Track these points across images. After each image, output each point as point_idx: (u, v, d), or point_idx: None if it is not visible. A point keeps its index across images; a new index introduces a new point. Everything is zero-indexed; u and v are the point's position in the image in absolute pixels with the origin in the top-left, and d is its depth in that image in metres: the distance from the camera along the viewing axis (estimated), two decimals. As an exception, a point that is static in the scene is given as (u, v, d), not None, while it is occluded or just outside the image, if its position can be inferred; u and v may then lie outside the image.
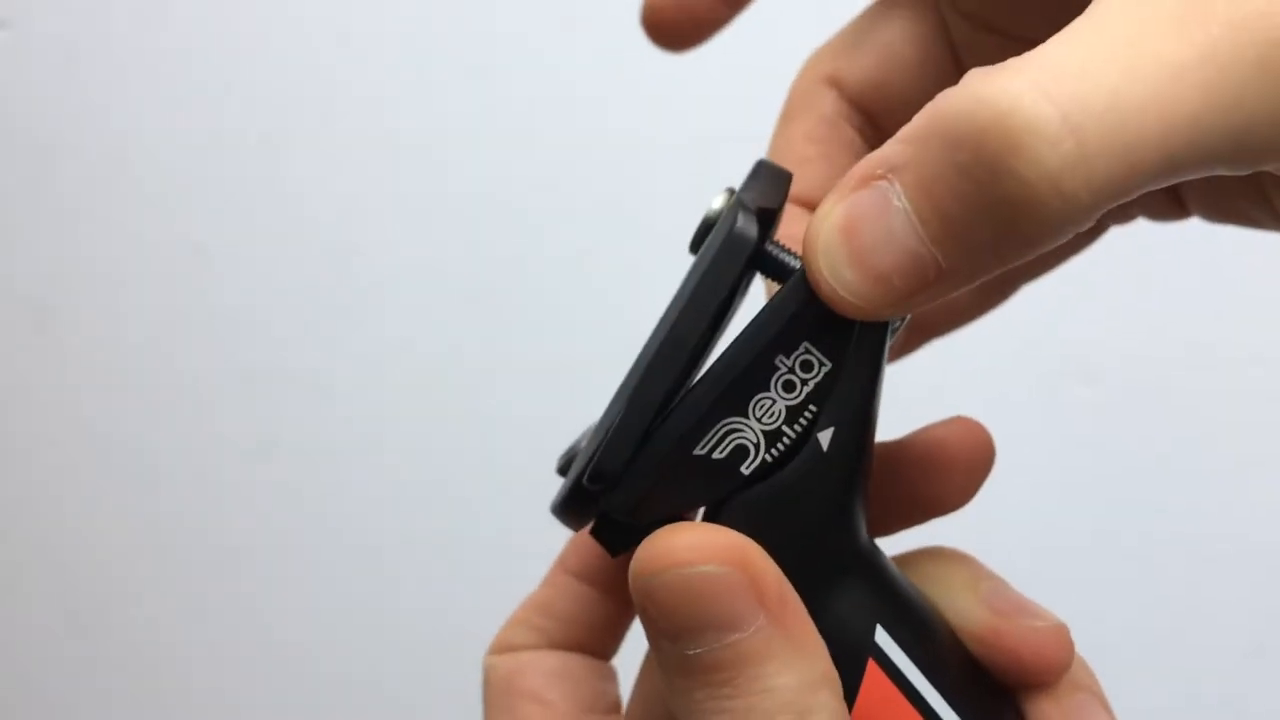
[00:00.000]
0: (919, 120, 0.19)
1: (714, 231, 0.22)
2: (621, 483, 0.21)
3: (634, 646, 0.27)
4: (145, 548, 0.76)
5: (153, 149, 0.73)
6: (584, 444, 0.23)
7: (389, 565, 0.74)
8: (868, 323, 0.21)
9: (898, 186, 0.19)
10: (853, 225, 0.19)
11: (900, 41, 0.27)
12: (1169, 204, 0.28)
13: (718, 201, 0.23)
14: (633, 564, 0.21)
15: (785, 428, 0.21)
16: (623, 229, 0.69)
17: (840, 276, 0.19)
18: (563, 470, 0.24)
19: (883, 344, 0.22)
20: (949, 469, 0.26)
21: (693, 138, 0.68)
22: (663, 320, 0.22)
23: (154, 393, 0.75)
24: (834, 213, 0.20)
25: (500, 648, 0.27)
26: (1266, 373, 0.68)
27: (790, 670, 0.20)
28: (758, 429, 0.21)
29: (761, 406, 0.21)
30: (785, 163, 0.28)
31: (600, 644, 0.27)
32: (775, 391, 0.21)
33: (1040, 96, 0.17)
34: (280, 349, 0.73)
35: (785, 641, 0.20)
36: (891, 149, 0.19)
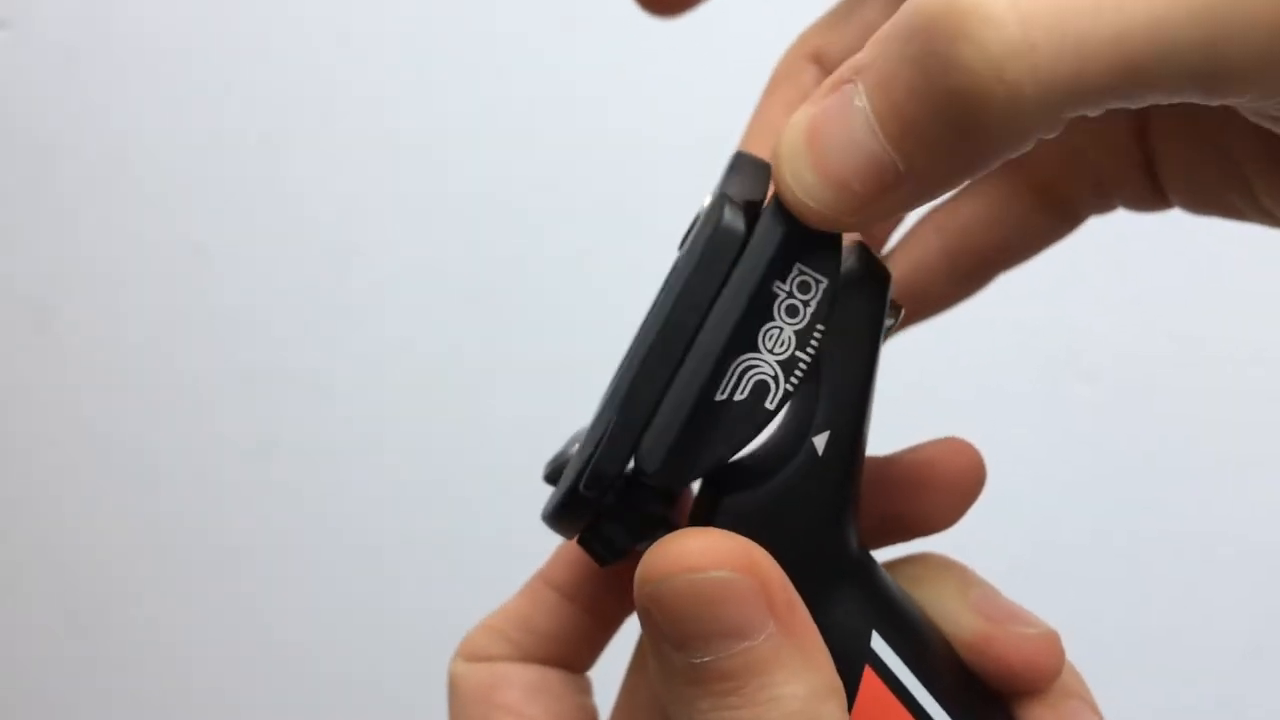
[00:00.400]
0: (886, 24, 0.19)
1: (700, 226, 0.22)
2: (646, 446, 0.21)
3: (609, 657, 0.27)
4: (145, 547, 0.76)
5: (153, 149, 0.73)
6: (574, 450, 0.23)
7: (389, 565, 0.74)
8: (860, 314, 0.21)
9: (860, 87, 0.19)
10: (816, 129, 0.19)
11: (885, 18, 0.27)
12: (1149, 192, 0.27)
13: (709, 201, 0.23)
14: (640, 569, 0.20)
15: (799, 353, 0.21)
16: (623, 229, 0.69)
17: (802, 181, 0.19)
18: (551, 478, 0.24)
19: (876, 343, 0.22)
20: (938, 490, 0.25)
21: (693, 138, 0.68)
22: (650, 321, 0.21)
23: (154, 393, 0.75)
24: (801, 118, 0.19)
25: (473, 655, 0.26)
26: (1265, 372, 0.68)
27: (798, 680, 0.20)
28: (772, 360, 0.21)
29: (771, 337, 0.21)
30: (763, 135, 0.27)
31: (578, 659, 0.27)
32: (780, 319, 0.21)
33: None
34: (280, 349, 0.74)
35: (794, 650, 0.20)
36: (860, 53, 0.19)
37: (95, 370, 0.75)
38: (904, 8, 0.18)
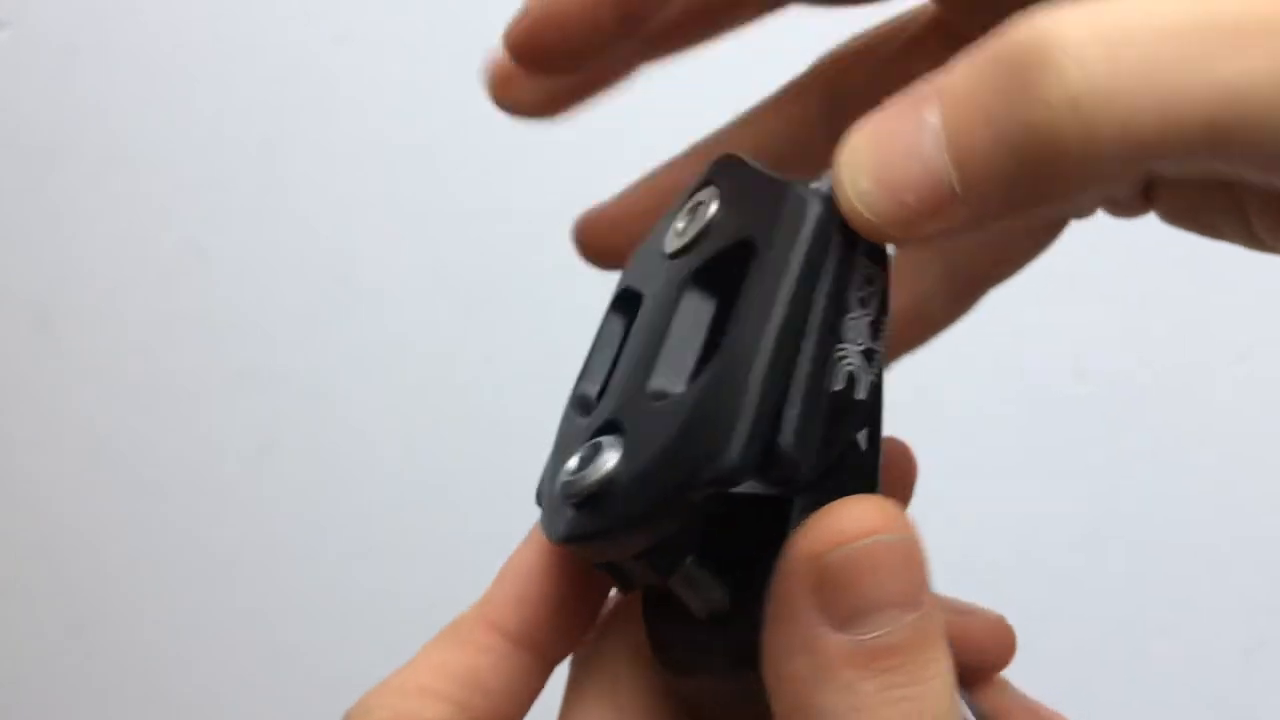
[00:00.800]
0: (972, 47, 0.18)
1: (786, 220, 0.21)
2: (788, 439, 0.20)
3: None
4: (143, 548, 0.76)
5: (152, 150, 0.73)
6: (610, 464, 0.21)
7: (390, 569, 0.74)
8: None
9: (935, 103, 0.18)
10: (881, 137, 0.19)
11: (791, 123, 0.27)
12: (1134, 200, 0.26)
13: (714, 204, 0.23)
14: (811, 539, 0.19)
15: (873, 344, 0.21)
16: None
17: (858, 186, 0.19)
18: (585, 499, 0.22)
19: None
20: (885, 489, 0.25)
21: (694, 140, 0.68)
22: (742, 314, 0.21)
23: (152, 394, 0.75)
24: (868, 124, 0.19)
25: None
26: (1258, 368, 0.68)
27: (947, 654, 0.19)
28: (855, 351, 0.21)
29: (850, 328, 0.21)
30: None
31: (520, 715, 0.24)
32: (856, 309, 0.21)
33: (1086, 18, 0.17)
34: (279, 351, 0.74)
35: (940, 624, 0.19)
36: (941, 72, 0.19)
37: (94, 371, 0.75)
38: (995, 33, 0.18)
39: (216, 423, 0.75)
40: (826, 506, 0.19)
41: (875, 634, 0.18)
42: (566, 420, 0.25)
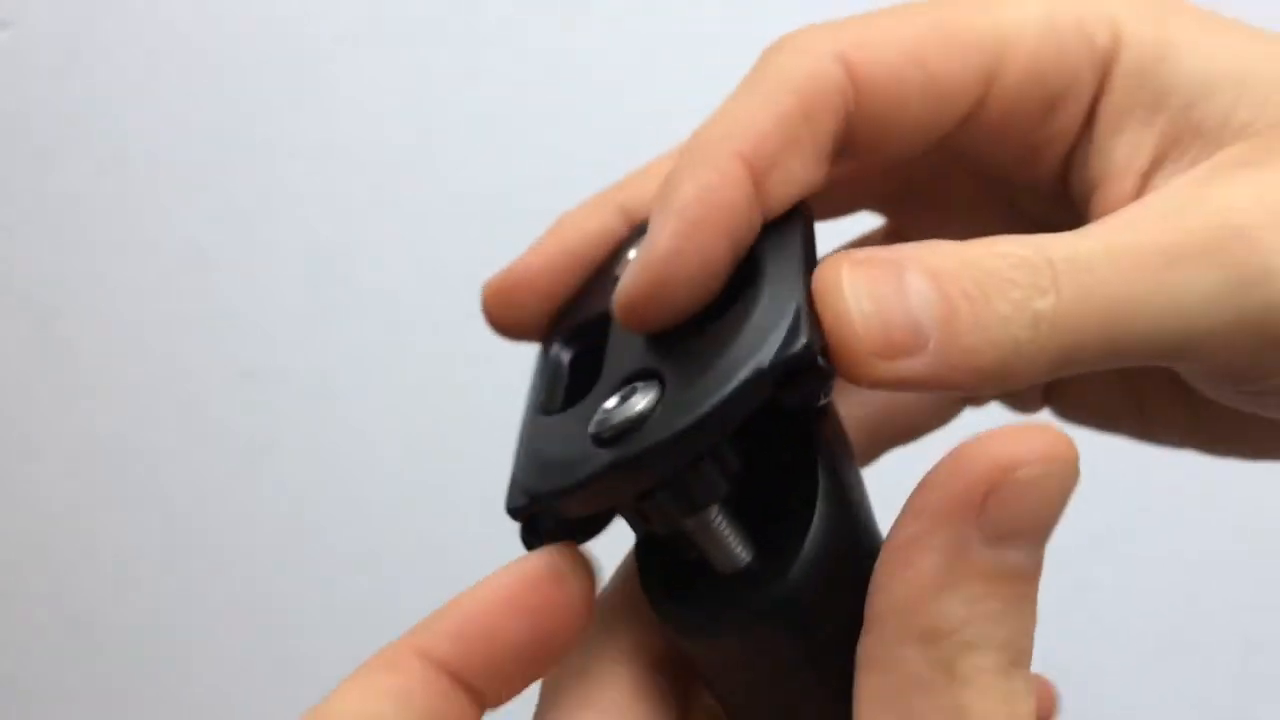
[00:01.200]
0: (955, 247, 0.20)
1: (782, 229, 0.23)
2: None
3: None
4: (144, 549, 0.76)
5: (153, 150, 0.73)
6: (658, 392, 0.21)
7: (390, 569, 0.74)
8: None
9: (919, 274, 0.20)
10: (875, 273, 0.20)
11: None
12: (1032, 397, 0.31)
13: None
14: (1000, 449, 0.19)
15: None
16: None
17: (862, 306, 0.19)
18: (521, 512, 0.23)
19: None
20: None
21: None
22: (770, 260, 0.22)
23: (153, 395, 0.75)
24: (862, 264, 0.20)
25: None
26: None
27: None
28: None
29: None
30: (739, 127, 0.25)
31: None
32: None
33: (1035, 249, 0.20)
34: (280, 352, 0.74)
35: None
36: (922, 251, 0.20)
37: (94, 371, 0.75)
38: (997, 242, 0.20)
39: (216, 423, 0.75)
40: (1013, 426, 0.20)
41: (1019, 556, 0.19)
42: (534, 425, 0.25)
